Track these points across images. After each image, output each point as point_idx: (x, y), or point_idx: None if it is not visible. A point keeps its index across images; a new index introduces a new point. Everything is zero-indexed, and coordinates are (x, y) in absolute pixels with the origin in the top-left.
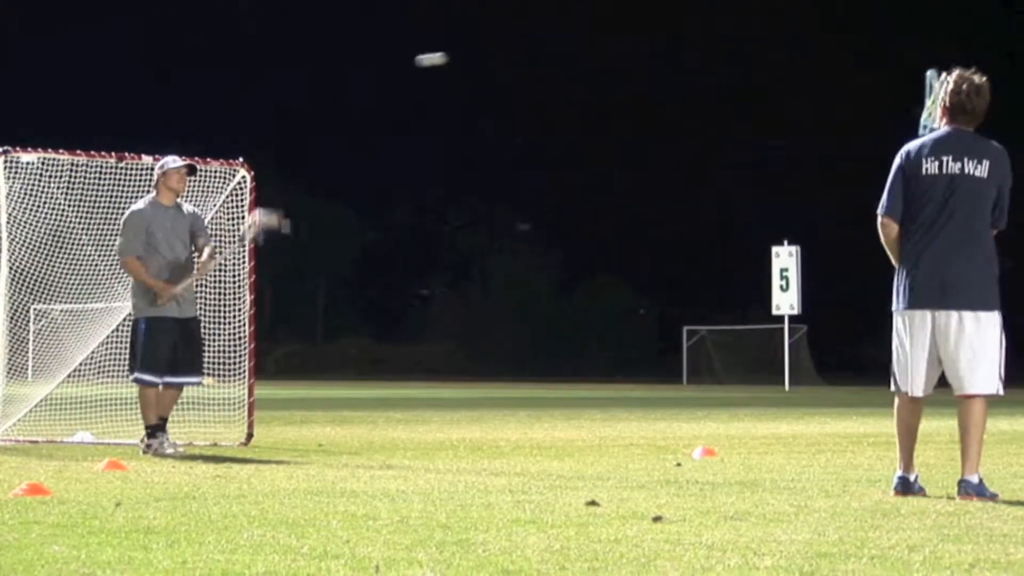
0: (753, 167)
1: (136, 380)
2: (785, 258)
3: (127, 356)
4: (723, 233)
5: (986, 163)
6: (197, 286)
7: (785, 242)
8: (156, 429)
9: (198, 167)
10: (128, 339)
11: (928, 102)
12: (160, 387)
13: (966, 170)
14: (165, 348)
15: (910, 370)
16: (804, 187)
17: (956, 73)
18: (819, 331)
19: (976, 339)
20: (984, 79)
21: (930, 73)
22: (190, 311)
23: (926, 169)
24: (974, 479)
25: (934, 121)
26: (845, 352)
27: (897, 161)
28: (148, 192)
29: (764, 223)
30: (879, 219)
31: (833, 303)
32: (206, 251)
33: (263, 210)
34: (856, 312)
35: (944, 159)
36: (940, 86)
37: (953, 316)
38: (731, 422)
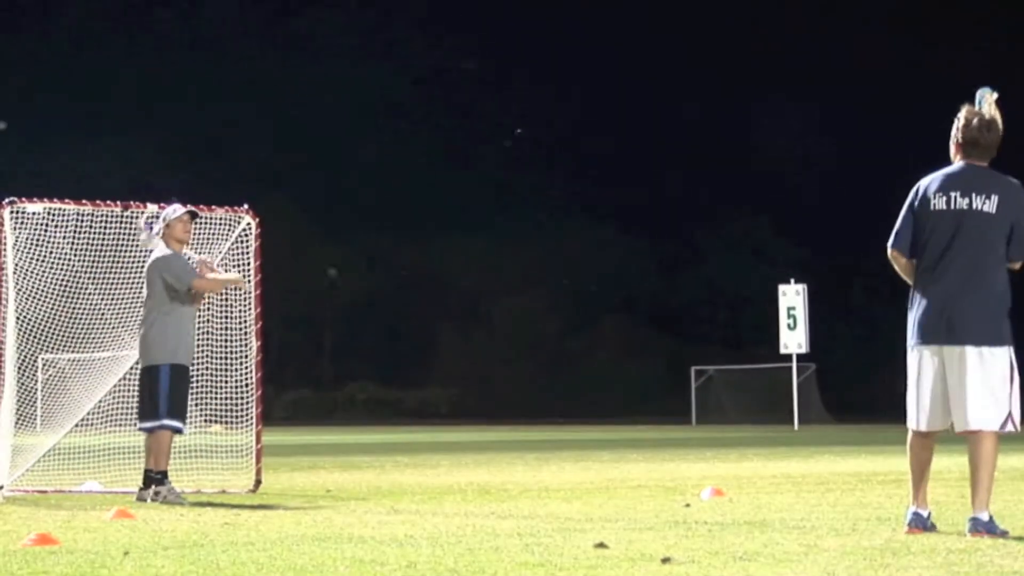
0: (760, 205)
1: (163, 427)
2: (792, 296)
3: (135, 404)
4: (730, 271)
5: (995, 198)
6: (204, 333)
7: (792, 280)
8: (166, 476)
9: (202, 214)
10: (136, 387)
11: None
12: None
13: (974, 205)
14: (186, 394)
15: (918, 405)
16: (810, 225)
17: (966, 108)
18: (829, 369)
19: (980, 375)
20: (995, 113)
21: (981, 91)
22: (191, 359)
23: (934, 205)
24: (984, 516)
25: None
26: (855, 390)
27: (910, 196)
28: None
29: (771, 261)
30: (889, 251)
31: (843, 340)
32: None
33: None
34: (866, 349)
35: (952, 195)
36: (984, 104)
37: (956, 351)
38: (740, 462)
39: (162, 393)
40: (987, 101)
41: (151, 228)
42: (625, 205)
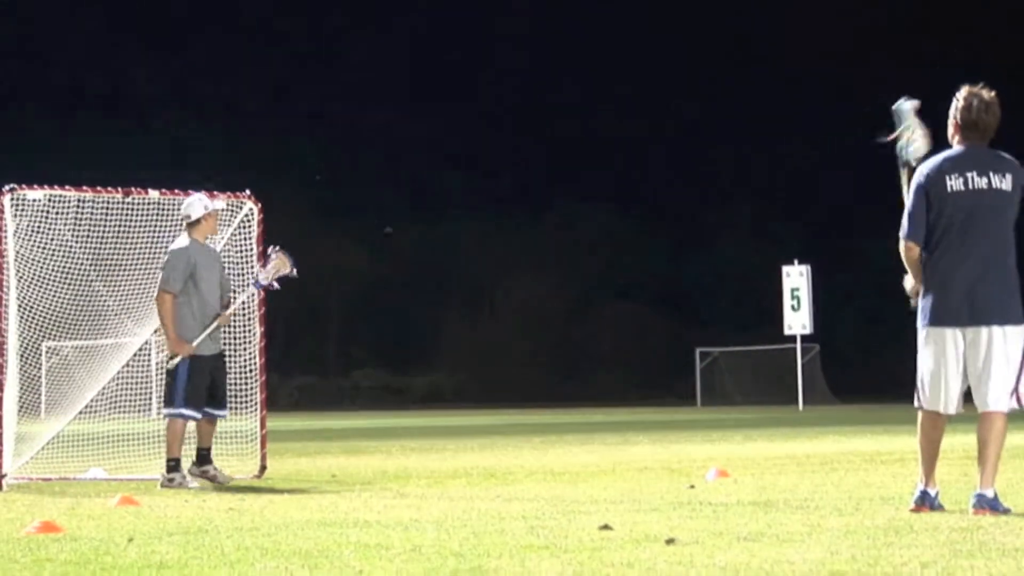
0: (765, 186)
1: (177, 415)
2: (796, 277)
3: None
4: (735, 252)
5: (1009, 176)
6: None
7: (796, 261)
8: (179, 463)
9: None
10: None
11: (902, 130)
12: (199, 420)
13: (993, 184)
14: (204, 383)
15: (943, 388)
16: (813, 205)
17: (965, 90)
18: (833, 350)
19: (1003, 354)
20: (993, 94)
21: (898, 104)
22: (219, 347)
23: (951, 186)
24: (989, 493)
25: (911, 146)
26: (860, 370)
27: (917, 181)
28: (162, 227)
29: (775, 242)
30: (902, 243)
31: (847, 321)
32: (229, 310)
33: (276, 255)
34: (871, 330)
35: (969, 175)
36: (907, 116)
37: (983, 332)
38: (745, 443)
39: (179, 381)
40: (909, 108)
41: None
42: (627, 187)
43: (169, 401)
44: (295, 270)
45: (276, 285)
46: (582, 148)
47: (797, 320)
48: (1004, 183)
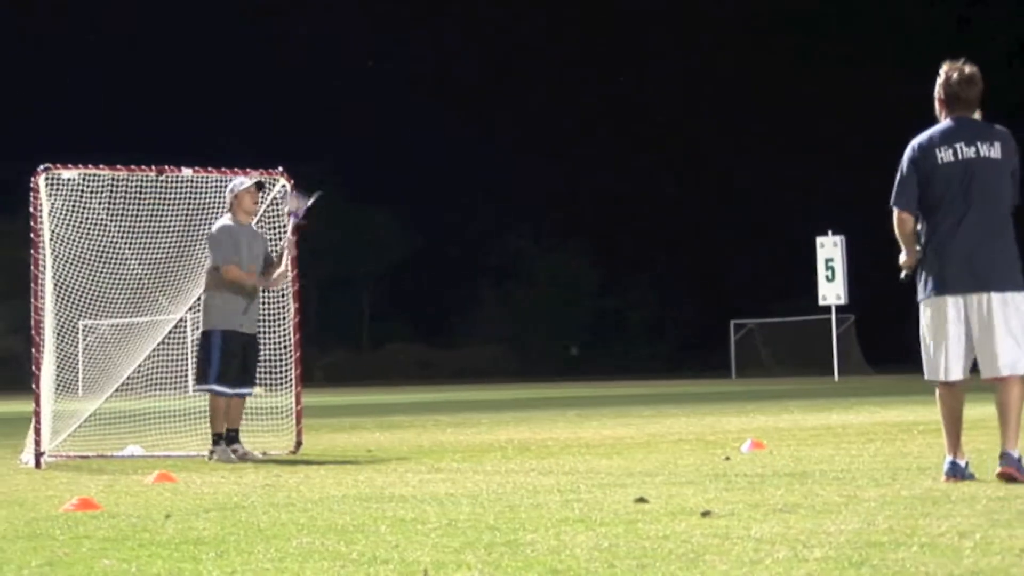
0: (797, 158)
1: (209, 391)
2: (830, 248)
3: (192, 368)
4: (768, 224)
5: (997, 144)
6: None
7: (829, 232)
8: (221, 438)
9: (268, 184)
10: (196, 351)
11: None
12: (231, 398)
13: (981, 153)
14: (237, 361)
15: (946, 357)
16: (848, 174)
17: (946, 65)
18: (868, 320)
19: (1004, 320)
20: (974, 68)
21: None
22: (255, 327)
23: (941, 158)
24: (1015, 453)
25: None
26: (895, 340)
27: (908, 154)
28: (195, 204)
29: (809, 213)
30: (895, 213)
31: (881, 291)
32: (285, 256)
33: (293, 195)
34: (905, 300)
35: (957, 146)
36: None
37: (984, 298)
38: (780, 414)
39: (213, 358)
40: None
41: (295, 197)
42: (661, 159)
43: (202, 377)
44: (315, 195)
45: (300, 214)
46: (612, 115)
47: (832, 291)
48: (993, 151)
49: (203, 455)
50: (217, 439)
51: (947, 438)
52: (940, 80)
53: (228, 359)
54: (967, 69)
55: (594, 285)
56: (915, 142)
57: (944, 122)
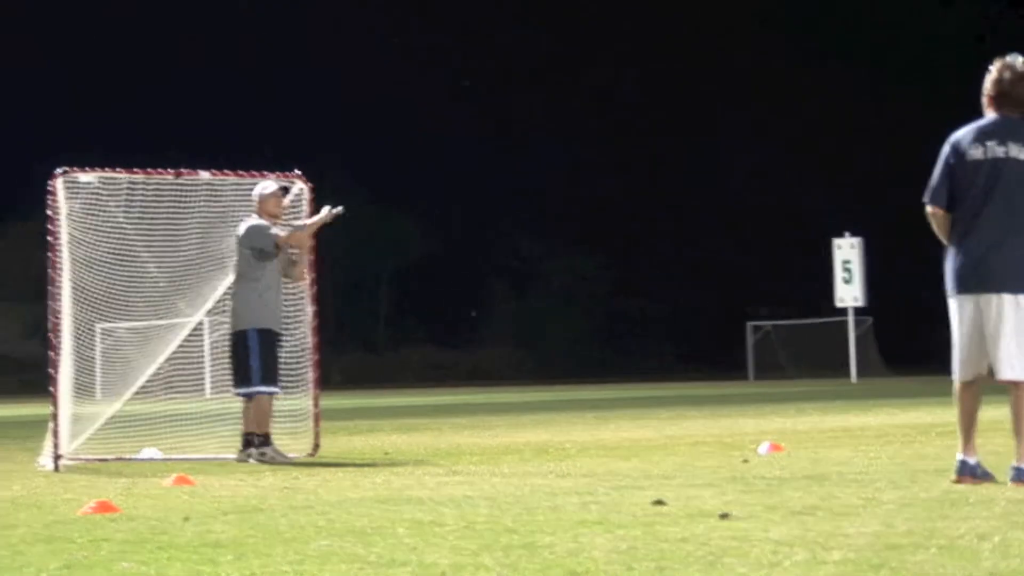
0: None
1: (256, 393)
2: (847, 250)
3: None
4: (785, 226)
5: None
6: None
7: (847, 234)
8: (269, 437)
9: (292, 188)
10: (228, 353)
11: None
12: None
13: (1011, 153)
14: (274, 358)
15: (958, 354)
16: (865, 177)
17: (999, 62)
18: (886, 322)
19: (1015, 323)
20: None
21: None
22: (281, 326)
23: (970, 155)
24: None
25: None
26: (913, 342)
27: (945, 149)
28: (213, 208)
29: (825, 215)
30: (927, 208)
31: (899, 293)
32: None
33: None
34: (923, 301)
35: (988, 144)
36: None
37: (993, 300)
38: (798, 416)
39: (253, 358)
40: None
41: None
42: (677, 162)
43: (244, 380)
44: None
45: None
46: (629, 116)
47: (849, 292)
48: (1023, 153)
49: (222, 457)
50: (266, 439)
51: (960, 435)
52: (992, 77)
53: (268, 358)
54: (1020, 66)
55: (610, 287)
56: (952, 137)
57: (987, 118)
